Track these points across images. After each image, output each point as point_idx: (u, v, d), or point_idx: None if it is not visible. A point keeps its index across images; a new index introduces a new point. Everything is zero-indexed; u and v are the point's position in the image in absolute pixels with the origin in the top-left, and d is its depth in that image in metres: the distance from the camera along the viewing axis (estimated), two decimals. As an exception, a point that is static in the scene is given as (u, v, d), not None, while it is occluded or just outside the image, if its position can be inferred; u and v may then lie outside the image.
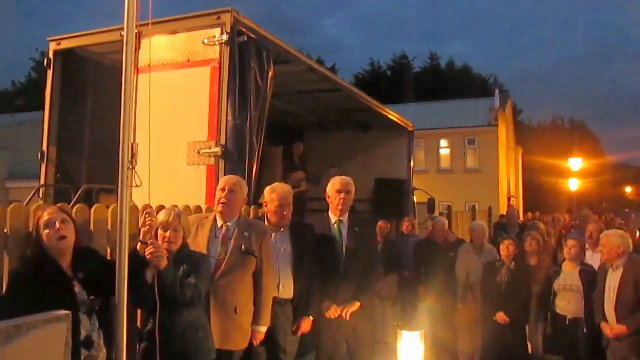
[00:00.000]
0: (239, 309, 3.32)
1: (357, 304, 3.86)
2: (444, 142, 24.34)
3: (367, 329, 4.01)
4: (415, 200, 10.67)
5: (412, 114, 10.64)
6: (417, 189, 10.55)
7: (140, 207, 3.25)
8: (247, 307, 3.37)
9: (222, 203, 3.41)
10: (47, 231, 2.55)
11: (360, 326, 3.94)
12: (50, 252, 2.55)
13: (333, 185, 4.01)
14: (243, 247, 3.35)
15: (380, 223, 7.47)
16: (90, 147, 6.18)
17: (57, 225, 2.56)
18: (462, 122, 24.17)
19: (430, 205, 10.25)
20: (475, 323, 5.57)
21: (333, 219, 4.00)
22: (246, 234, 3.39)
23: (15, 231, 2.66)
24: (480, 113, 24.31)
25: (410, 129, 10.01)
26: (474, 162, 23.70)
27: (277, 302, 3.60)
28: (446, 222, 6.82)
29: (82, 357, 2.52)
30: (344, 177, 4.05)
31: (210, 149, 4.82)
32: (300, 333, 3.74)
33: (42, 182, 5.74)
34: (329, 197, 4.03)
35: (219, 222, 3.45)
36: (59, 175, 5.84)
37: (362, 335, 3.95)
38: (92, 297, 2.61)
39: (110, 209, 3.20)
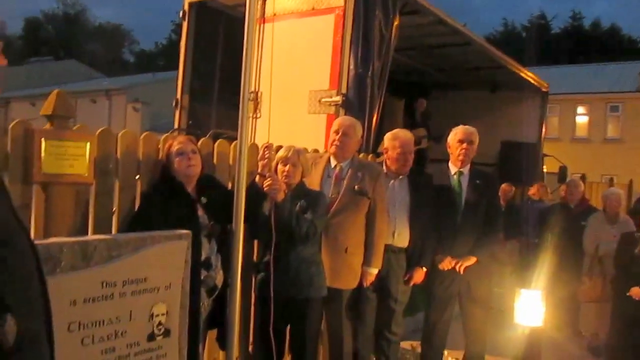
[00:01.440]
0: (349, 249, 3.31)
1: (473, 259, 3.68)
2: (581, 109, 22.36)
3: (481, 288, 3.81)
4: (545, 170, 9.96)
5: (546, 78, 9.81)
6: (547, 156, 9.83)
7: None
8: (358, 247, 3.36)
9: (335, 145, 3.38)
10: (178, 159, 2.69)
11: (475, 284, 3.77)
12: (178, 178, 2.69)
13: (455, 135, 3.82)
14: (356, 187, 3.31)
15: (503, 186, 7.09)
16: (219, 95, 6.47)
17: (188, 154, 2.69)
18: (604, 87, 21.97)
19: (562, 174, 9.48)
20: (601, 299, 5.12)
21: (453, 169, 3.82)
22: (359, 174, 3.35)
23: (147, 158, 2.83)
24: (626, 78, 21.90)
25: (545, 90, 9.28)
26: (616, 131, 21.55)
27: (391, 249, 3.55)
28: (581, 183, 6.27)
29: (202, 277, 2.65)
30: (467, 126, 3.82)
31: (331, 97, 4.80)
32: (412, 283, 3.66)
33: (175, 127, 6.12)
34: (449, 147, 3.85)
35: (332, 163, 3.43)
36: (190, 122, 6.20)
37: (476, 294, 3.78)
38: (212, 222, 2.72)
39: (232, 145, 3.30)
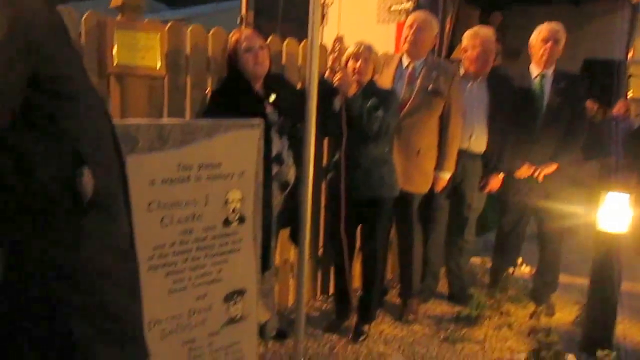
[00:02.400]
0: (421, 151, 3.23)
1: (554, 166, 3.49)
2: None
3: (560, 198, 3.63)
4: (631, 94, 9.26)
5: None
6: (633, 76, 9.11)
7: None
8: (431, 150, 3.26)
9: (408, 41, 3.21)
10: (245, 56, 2.64)
11: (554, 194, 3.59)
12: (246, 74, 2.66)
13: (538, 33, 3.54)
14: (430, 87, 3.17)
15: (587, 102, 6.66)
16: (284, 10, 6.33)
17: (255, 50, 2.64)
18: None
19: (649, 96, 8.78)
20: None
21: (535, 71, 3.57)
22: (434, 74, 3.20)
23: (216, 55, 2.81)
24: None
25: (635, 1, 8.48)
26: None
27: (466, 154, 3.43)
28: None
29: (273, 172, 2.66)
30: (552, 22, 3.53)
31: (401, 4, 4.57)
32: (487, 190, 3.54)
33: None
34: (532, 48, 3.58)
35: (405, 62, 3.29)
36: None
37: (554, 207, 3.60)
38: (282, 118, 2.70)
39: (301, 44, 3.22)
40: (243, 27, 2.74)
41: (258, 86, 2.71)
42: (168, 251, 2.09)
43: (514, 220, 3.69)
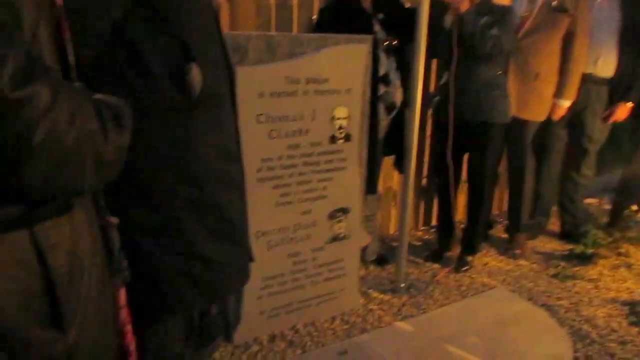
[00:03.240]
0: (541, 75, 3.00)
1: None
2: None
3: None
4: None
5: None
6: None
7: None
8: (550, 74, 3.02)
9: None
10: None
11: None
12: None
13: None
14: (554, 3, 2.90)
15: None
16: None
17: None
18: None
19: None
20: None
21: None
22: (560, -12, 2.91)
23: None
24: None
25: None
26: None
27: (591, 79, 3.15)
28: None
29: (380, 91, 2.61)
30: None
31: None
32: (612, 120, 3.25)
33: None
34: None
35: (528, -25, 3.02)
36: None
37: None
38: (390, 37, 2.61)
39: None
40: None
41: (367, 3, 2.63)
42: (275, 164, 2.14)
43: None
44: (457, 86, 2.76)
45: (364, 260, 3.01)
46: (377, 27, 2.61)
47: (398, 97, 2.70)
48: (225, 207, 1.24)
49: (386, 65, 2.63)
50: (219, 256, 1.22)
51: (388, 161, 3.09)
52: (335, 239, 2.42)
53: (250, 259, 1.41)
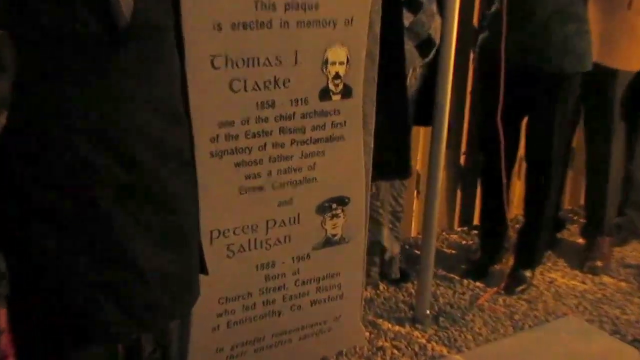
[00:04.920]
0: (635, 3, 3.02)
1: None
2: None
3: None
4: None
5: None
6: None
7: None
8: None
9: None
10: None
11: None
12: None
13: None
14: None
15: None
16: None
17: None
18: None
19: None
20: None
21: None
22: None
23: None
24: None
25: None
26: None
27: None
28: None
29: (405, 23, 2.64)
30: None
31: None
32: None
33: None
34: None
35: None
36: None
37: None
38: None
39: None
40: None
41: None
42: (239, 131, 2.13)
43: None
44: (513, 18, 2.78)
45: (387, 278, 3.05)
46: None
47: (436, 28, 2.70)
48: (169, 194, 1.25)
49: None
50: (156, 265, 1.22)
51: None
52: (328, 242, 2.43)
53: (202, 269, 1.42)
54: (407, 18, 2.63)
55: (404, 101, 2.65)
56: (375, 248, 2.95)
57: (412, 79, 2.74)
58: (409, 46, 2.66)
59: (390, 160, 2.65)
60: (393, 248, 3.00)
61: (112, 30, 1.13)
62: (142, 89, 1.19)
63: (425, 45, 2.72)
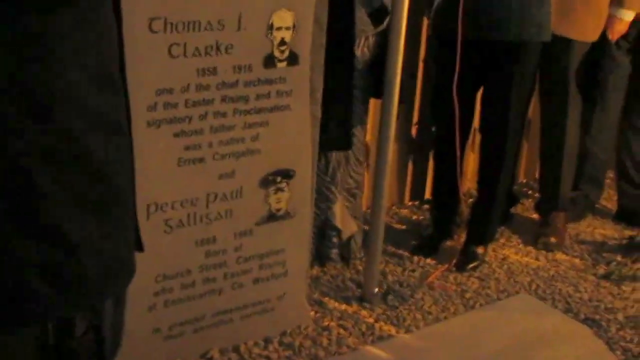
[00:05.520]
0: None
1: None
2: None
3: None
4: None
5: None
6: None
7: None
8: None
9: None
10: None
11: None
12: None
13: None
14: None
15: None
16: None
17: None
18: None
19: None
20: None
21: None
22: None
23: None
24: None
25: None
26: None
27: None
28: None
29: None
30: None
31: None
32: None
33: None
34: None
35: None
36: None
37: None
38: None
39: None
40: None
41: None
42: (178, 99, 2.14)
43: None
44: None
45: (347, 260, 3.09)
46: None
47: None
48: (99, 162, 1.25)
49: None
50: (87, 238, 1.22)
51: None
52: (271, 217, 2.45)
53: (138, 246, 1.42)
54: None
55: (350, 70, 2.68)
56: (328, 226, 2.97)
57: (364, 49, 2.76)
58: (361, 13, 2.69)
59: (330, 131, 2.67)
60: (349, 227, 3.02)
61: None
62: (76, 55, 1.19)
63: (378, 13, 2.74)
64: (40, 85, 1.14)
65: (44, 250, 1.17)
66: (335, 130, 2.68)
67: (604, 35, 3.23)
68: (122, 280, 1.36)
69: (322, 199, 2.85)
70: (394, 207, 3.67)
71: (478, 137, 3.29)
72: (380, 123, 2.77)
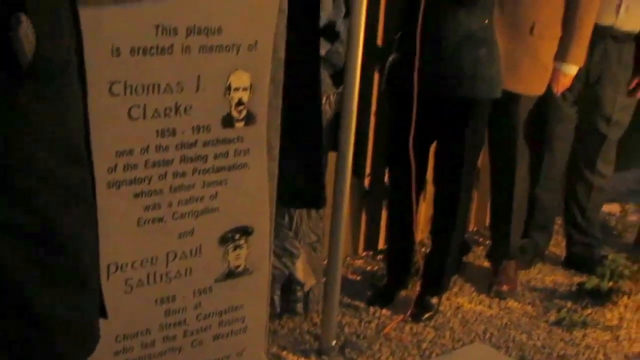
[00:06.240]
0: (537, 29, 3.22)
1: None
2: None
3: None
4: None
5: None
6: None
7: None
8: (551, 28, 3.26)
9: None
10: None
11: None
12: None
13: None
14: None
15: None
16: None
17: None
18: None
19: None
20: None
21: None
22: None
23: None
24: None
25: None
26: None
27: (610, 34, 3.43)
28: None
29: (322, 52, 2.74)
30: None
31: None
32: (640, 95, 3.53)
33: None
34: None
35: None
36: None
37: None
38: None
39: None
40: None
41: None
42: (138, 160, 2.16)
43: None
44: (425, 41, 2.89)
45: (306, 311, 3.12)
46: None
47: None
48: (62, 233, 1.27)
49: (330, 10, 2.75)
50: (57, 312, 1.23)
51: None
52: (230, 274, 2.47)
53: (102, 312, 1.44)
54: (324, 47, 2.72)
55: (319, 129, 2.73)
56: (293, 281, 3.01)
57: (326, 106, 2.82)
58: (324, 75, 2.76)
59: (303, 190, 2.73)
60: (309, 280, 3.06)
61: (12, 69, 1.14)
62: (41, 128, 1.21)
63: (339, 74, 2.80)
64: (6, 159, 1.16)
65: (12, 326, 1.18)
66: (308, 189, 2.73)
67: (549, 89, 3.35)
68: (89, 346, 1.38)
69: (287, 254, 2.90)
70: (348, 258, 3.72)
71: (431, 189, 3.35)
72: (336, 175, 2.83)
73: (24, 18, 1.14)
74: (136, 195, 2.19)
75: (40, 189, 1.20)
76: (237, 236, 2.46)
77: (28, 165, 1.18)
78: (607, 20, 3.37)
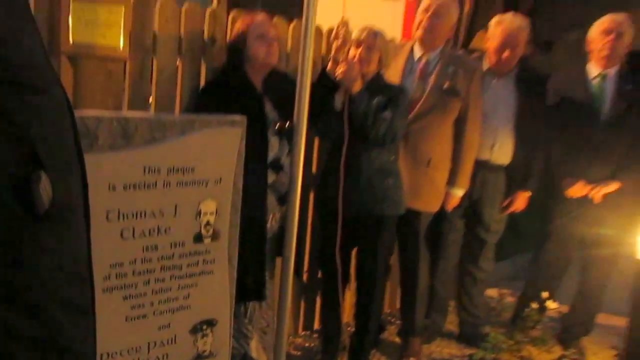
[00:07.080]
0: (432, 162, 3.36)
1: (615, 185, 3.51)
2: None
3: (618, 225, 3.51)
4: None
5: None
6: None
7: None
8: (443, 160, 3.41)
9: (423, 27, 3.30)
10: (256, 43, 2.77)
11: (611, 219, 3.54)
12: (253, 64, 2.78)
13: (599, 25, 3.59)
14: (446, 85, 3.30)
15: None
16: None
17: (269, 39, 2.78)
18: None
19: None
20: None
21: (594, 71, 3.64)
22: (450, 69, 3.32)
23: (190, 35, 2.90)
24: None
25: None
26: None
27: (487, 166, 3.58)
28: None
29: (269, 180, 2.79)
30: (615, 13, 3.58)
31: (414, -21, 4.72)
32: (511, 210, 3.68)
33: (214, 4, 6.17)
34: (590, 43, 3.64)
35: (417, 53, 3.40)
36: None
37: (609, 234, 3.57)
38: (282, 119, 2.80)
39: (291, 26, 3.33)
40: (255, 11, 2.85)
41: (257, 80, 2.83)
42: (127, 270, 2.18)
43: (556, 249, 3.82)
44: (347, 172, 3.01)
45: None
46: (268, 108, 2.81)
47: (290, 185, 2.87)
48: (72, 342, 1.28)
49: (277, 149, 2.82)
50: None
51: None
52: (198, 358, 2.47)
53: None
54: (271, 177, 2.80)
55: (262, 242, 2.78)
56: (247, 359, 2.99)
57: (273, 222, 2.87)
58: (272, 199, 2.82)
59: (250, 287, 2.76)
60: (262, 357, 3.03)
61: (29, 213, 1.17)
62: (54, 259, 1.23)
63: (283, 198, 2.83)
64: (26, 289, 1.18)
65: None
66: (253, 286, 2.76)
67: (443, 207, 3.49)
68: None
69: (242, 336, 2.89)
70: (290, 337, 3.71)
71: (354, 282, 3.41)
72: (281, 274, 2.86)
73: (43, 175, 1.17)
74: (125, 298, 2.21)
75: (52, 307, 1.21)
76: (204, 327, 2.47)
77: (45, 288, 1.20)
78: (484, 156, 3.55)
